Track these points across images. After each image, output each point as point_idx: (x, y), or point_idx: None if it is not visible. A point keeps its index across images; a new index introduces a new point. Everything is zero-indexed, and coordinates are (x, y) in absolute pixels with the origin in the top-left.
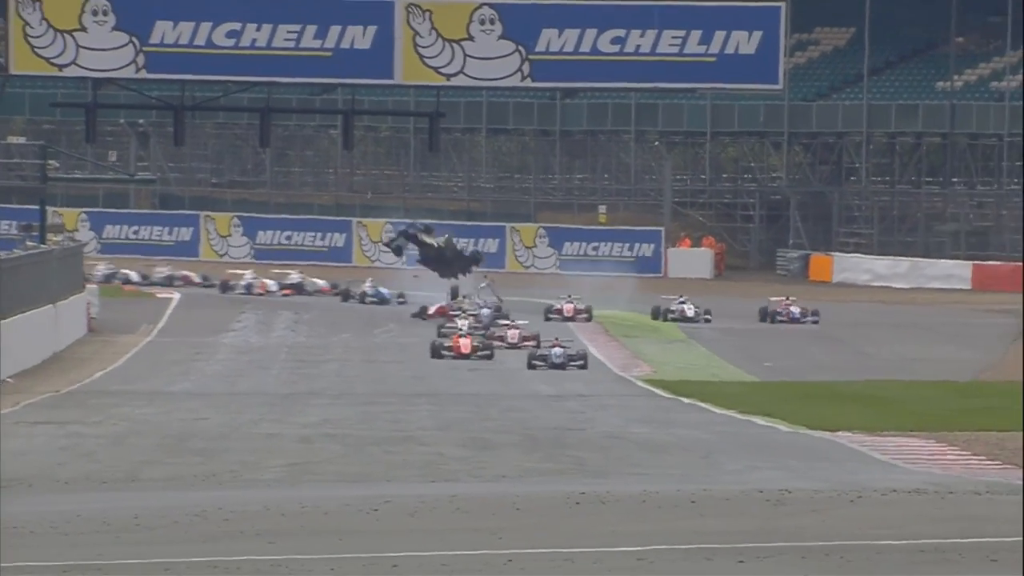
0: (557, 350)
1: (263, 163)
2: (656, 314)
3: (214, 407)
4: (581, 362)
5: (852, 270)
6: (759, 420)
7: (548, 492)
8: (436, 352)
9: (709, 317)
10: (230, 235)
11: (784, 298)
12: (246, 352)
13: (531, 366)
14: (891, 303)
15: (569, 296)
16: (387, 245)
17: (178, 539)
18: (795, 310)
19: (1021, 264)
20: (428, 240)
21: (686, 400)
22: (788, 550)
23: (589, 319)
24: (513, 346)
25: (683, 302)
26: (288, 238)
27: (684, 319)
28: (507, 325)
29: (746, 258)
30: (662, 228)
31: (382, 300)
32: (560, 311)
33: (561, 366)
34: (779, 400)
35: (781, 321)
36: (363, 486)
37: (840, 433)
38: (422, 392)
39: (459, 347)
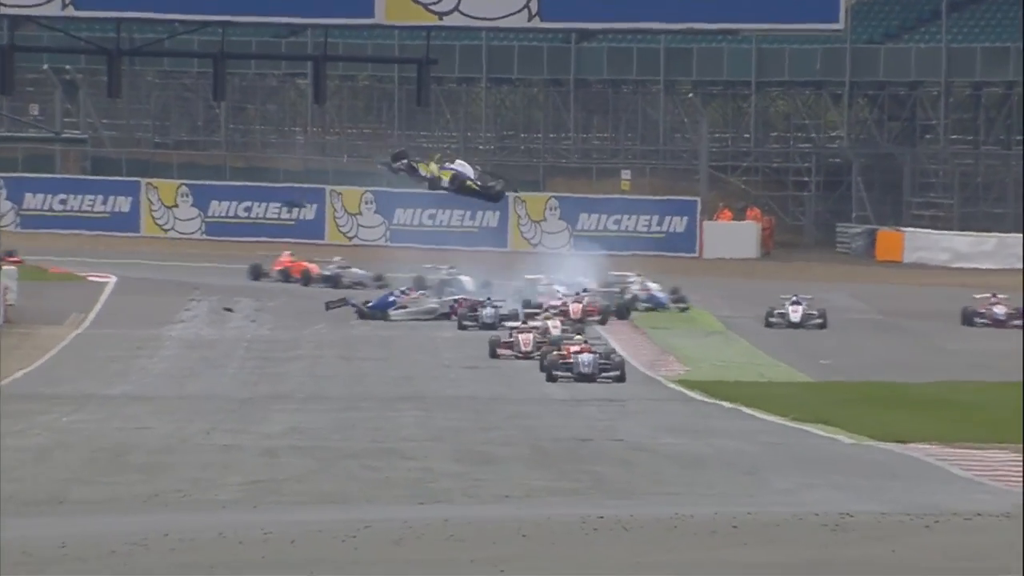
0: (586, 356)
1: (216, 120)
2: (768, 319)
3: (158, 414)
4: (617, 372)
5: (927, 248)
6: (814, 429)
7: (560, 516)
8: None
9: (822, 320)
10: (176, 206)
11: (990, 295)
12: (197, 347)
13: (551, 377)
14: (973, 287)
15: (577, 293)
16: (393, 166)
17: (115, 571)
18: (999, 310)
19: None
20: (423, 170)
21: (727, 404)
22: None
23: (603, 322)
24: (527, 355)
25: (797, 302)
26: (247, 210)
27: (790, 324)
28: (519, 328)
29: (799, 234)
30: (697, 198)
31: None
32: (565, 311)
33: (590, 377)
34: (838, 405)
35: (983, 324)
36: (338, 509)
37: (912, 445)
38: (409, 395)
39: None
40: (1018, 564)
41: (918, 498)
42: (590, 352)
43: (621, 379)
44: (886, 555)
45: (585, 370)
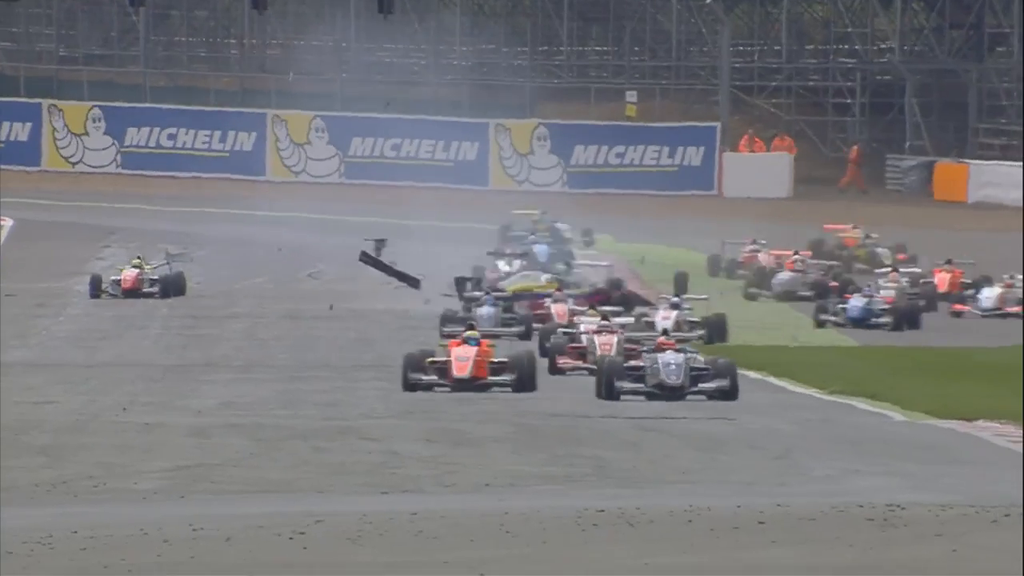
0: (671, 358)
1: (134, 29)
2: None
3: (65, 384)
4: (724, 382)
5: (997, 184)
6: (859, 403)
7: (552, 508)
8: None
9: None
10: (86, 134)
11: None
12: (112, 304)
13: (611, 393)
14: None
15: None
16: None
17: None
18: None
19: None
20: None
21: (753, 375)
22: None
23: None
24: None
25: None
26: (171, 138)
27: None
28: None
29: (841, 167)
30: (717, 124)
31: None
32: (545, 314)
33: (677, 391)
34: (889, 374)
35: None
36: (283, 500)
37: (978, 423)
38: (370, 362)
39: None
40: None
41: (984, 487)
42: (677, 349)
43: (731, 395)
44: (944, 556)
45: (671, 379)
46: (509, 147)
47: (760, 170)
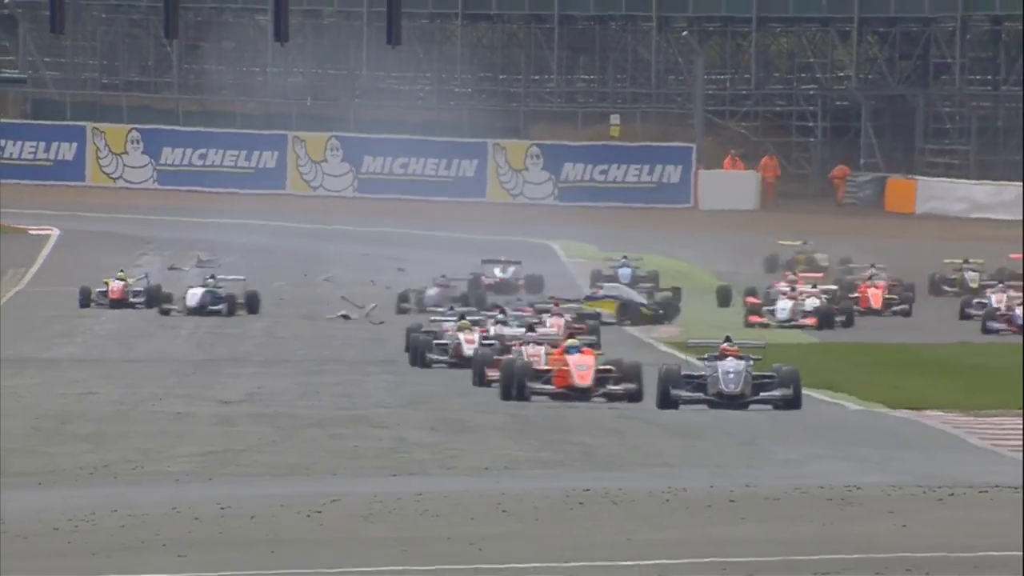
0: (730, 366)
1: (168, 59)
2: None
3: (106, 378)
4: (788, 391)
5: (942, 198)
6: (819, 395)
7: (544, 489)
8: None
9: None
10: (126, 153)
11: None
12: (146, 308)
13: (667, 402)
14: (992, 240)
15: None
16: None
17: (58, 552)
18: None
19: None
20: None
21: None
22: (857, 565)
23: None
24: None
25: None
26: (202, 157)
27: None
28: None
29: (803, 183)
30: (692, 145)
31: None
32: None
33: (737, 399)
34: (847, 368)
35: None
36: (302, 481)
37: (926, 412)
38: (380, 358)
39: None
40: None
41: (931, 469)
42: (739, 357)
43: (794, 404)
44: (896, 531)
45: (729, 387)
46: (505, 164)
47: (731, 186)
